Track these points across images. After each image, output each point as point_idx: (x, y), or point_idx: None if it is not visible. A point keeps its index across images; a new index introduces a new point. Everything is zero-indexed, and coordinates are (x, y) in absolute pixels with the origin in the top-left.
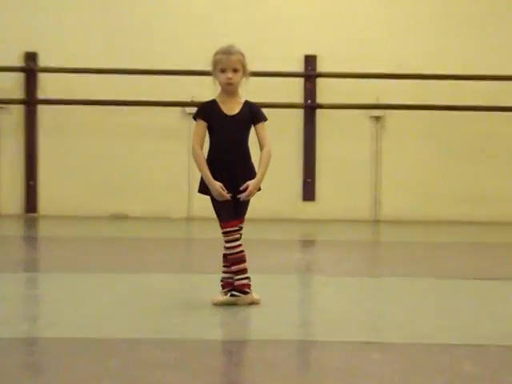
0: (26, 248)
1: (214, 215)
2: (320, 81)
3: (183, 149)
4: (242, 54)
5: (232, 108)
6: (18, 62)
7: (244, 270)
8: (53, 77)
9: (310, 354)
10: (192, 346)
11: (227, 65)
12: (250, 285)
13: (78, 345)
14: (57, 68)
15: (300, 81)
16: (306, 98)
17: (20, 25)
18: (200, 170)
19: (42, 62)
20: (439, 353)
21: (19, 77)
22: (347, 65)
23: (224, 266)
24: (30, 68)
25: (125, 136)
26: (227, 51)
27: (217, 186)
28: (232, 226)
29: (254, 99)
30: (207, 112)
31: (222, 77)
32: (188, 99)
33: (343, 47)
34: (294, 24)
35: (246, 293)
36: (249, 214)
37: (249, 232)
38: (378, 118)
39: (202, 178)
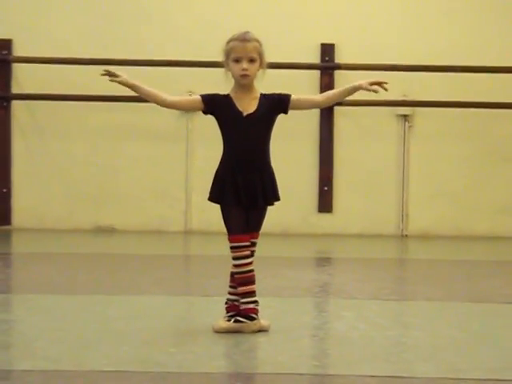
0: None
1: (216, 228)
2: (338, 73)
3: (180, 152)
4: (258, 42)
5: (248, 105)
6: None
7: (252, 293)
8: (29, 68)
9: None
10: (190, 379)
11: (242, 53)
12: (257, 310)
13: (57, 378)
14: (34, 58)
15: (315, 73)
16: (321, 93)
17: None
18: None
19: (17, 50)
20: None
21: None
22: (370, 55)
23: (230, 287)
24: (4, 57)
25: (113, 137)
26: (242, 38)
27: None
28: (241, 241)
29: None
30: (216, 103)
31: (236, 67)
32: (186, 94)
33: (365, 35)
34: (309, 8)
35: (252, 318)
36: None
37: (256, 248)
38: (405, 117)
39: (213, 185)
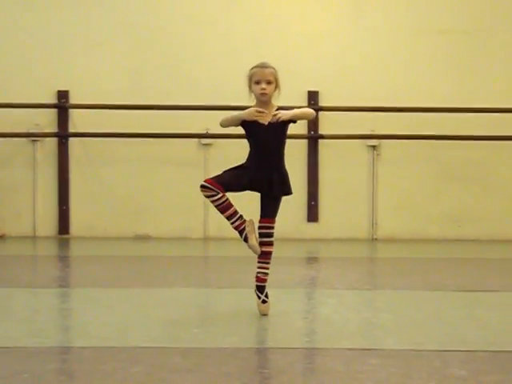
0: (60, 266)
1: (229, 235)
2: (322, 114)
3: (199, 175)
4: (274, 69)
5: (267, 118)
6: (52, 99)
7: (233, 214)
8: (82, 112)
9: (315, 360)
10: (209, 353)
11: (262, 77)
12: (244, 221)
13: (106, 353)
14: (86, 104)
15: None
16: (309, 130)
17: (54, 66)
18: (233, 118)
19: (73, 99)
20: (430, 358)
21: (53, 113)
22: (346, 99)
23: (258, 262)
24: (63, 105)
25: (147, 165)
26: (262, 65)
27: (252, 109)
28: (209, 184)
29: None
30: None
31: (257, 88)
32: (203, 131)
33: (342, 84)
34: (299, 64)
35: (242, 232)
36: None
37: (274, 231)
38: (373, 147)
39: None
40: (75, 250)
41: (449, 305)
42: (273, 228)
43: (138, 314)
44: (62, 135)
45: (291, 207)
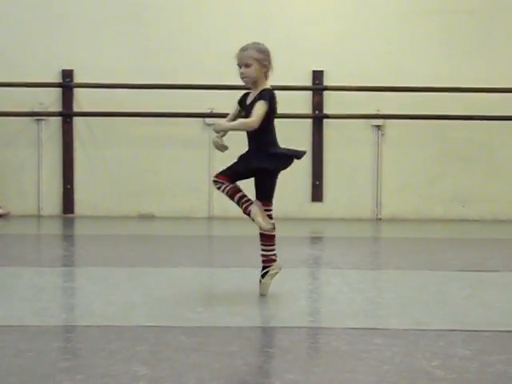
0: (64, 245)
1: (233, 215)
2: (326, 93)
3: (204, 155)
4: (256, 50)
5: (252, 98)
6: (56, 78)
7: (241, 197)
8: (87, 92)
9: (319, 339)
10: (214, 332)
11: (240, 61)
12: (249, 203)
13: (111, 332)
14: (90, 84)
15: (309, 94)
16: (314, 109)
17: (58, 46)
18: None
19: (78, 78)
20: (434, 337)
21: (57, 92)
22: (351, 79)
23: (261, 245)
24: (67, 84)
25: (151, 144)
26: (242, 48)
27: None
28: (218, 177)
29: None
30: (241, 99)
31: (239, 72)
32: (208, 111)
33: (347, 63)
34: (304, 43)
35: (249, 214)
36: None
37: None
38: (378, 127)
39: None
40: (79, 229)
41: (453, 285)
42: (270, 211)
43: (143, 293)
44: (67, 114)
45: (295, 187)
